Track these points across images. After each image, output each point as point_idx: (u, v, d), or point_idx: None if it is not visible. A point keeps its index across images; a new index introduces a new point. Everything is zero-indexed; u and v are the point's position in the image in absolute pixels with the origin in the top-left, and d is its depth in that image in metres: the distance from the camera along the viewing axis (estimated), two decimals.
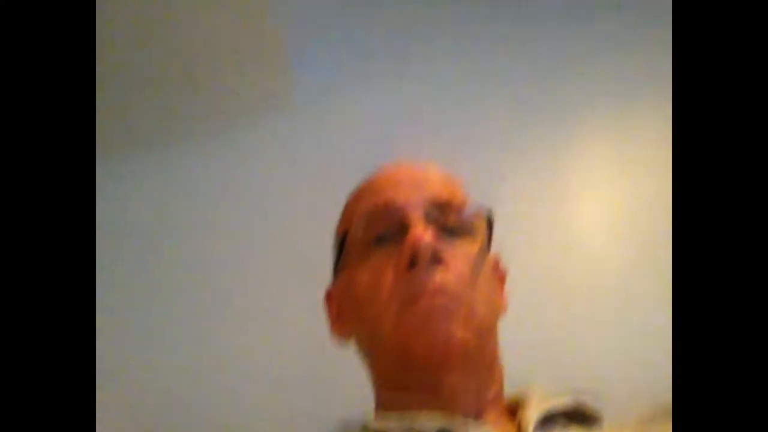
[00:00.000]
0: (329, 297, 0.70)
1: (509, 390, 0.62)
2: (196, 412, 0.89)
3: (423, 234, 0.57)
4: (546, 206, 0.97)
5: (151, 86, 0.98)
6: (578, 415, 0.60)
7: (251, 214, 1.02)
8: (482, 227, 0.64)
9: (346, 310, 0.65)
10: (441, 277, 0.56)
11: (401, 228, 0.59)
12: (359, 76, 1.09)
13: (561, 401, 0.58)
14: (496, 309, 0.64)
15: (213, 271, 0.99)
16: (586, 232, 0.96)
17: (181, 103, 1.02)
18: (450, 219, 0.61)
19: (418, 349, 0.55)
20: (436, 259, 0.57)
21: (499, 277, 0.69)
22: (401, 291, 0.57)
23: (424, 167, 0.66)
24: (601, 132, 1.03)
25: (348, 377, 0.69)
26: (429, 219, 0.59)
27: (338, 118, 1.07)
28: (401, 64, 1.09)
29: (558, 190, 0.99)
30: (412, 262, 0.56)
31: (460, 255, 0.59)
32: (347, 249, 0.63)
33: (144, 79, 0.97)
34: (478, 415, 0.56)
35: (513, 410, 0.59)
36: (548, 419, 0.56)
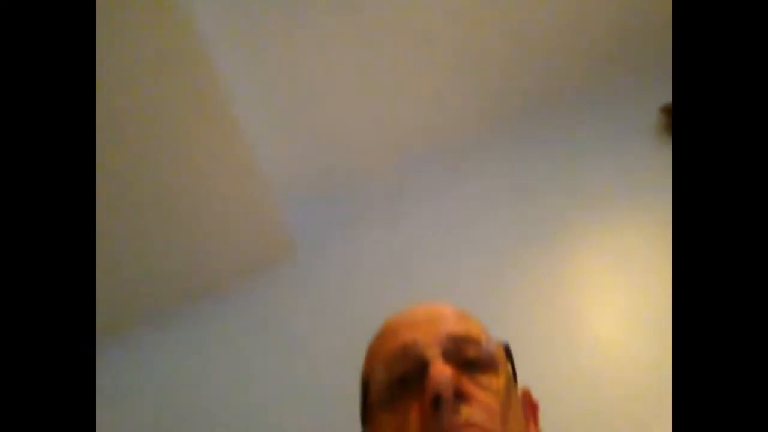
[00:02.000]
0: None
1: None
2: None
3: (443, 370, 0.55)
4: (560, 325, 0.97)
5: (149, 251, 1.00)
6: None
7: (269, 369, 1.01)
8: (503, 360, 0.63)
9: None
10: (467, 412, 0.54)
11: (422, 367, 0.58)
12: (358, 224, 1.13)
13: None
14: None
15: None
16: (605, 340, 0.94)
17: (179, 270, 1.03)
18: (469, 353, 0.60)
19: None
20: (459, 395, 0.55)
21: (532, 408, 0.67)
22: (428, 431, 0.54)
23: (439, 306, 0.66)
24: (601, 241, 1.05)
25: None
26: (448, 355, 0.59)
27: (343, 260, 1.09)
28: (398, 205, 1.13)
29: (567, 306, 0.99)
30: (436, 401, 0.55)
31: (485, 389, 0.58)
32: (371, 395, 0.61)
33: (136, 247, 0.98)
34: None
35: None
36: None
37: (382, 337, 0.65)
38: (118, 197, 0.89)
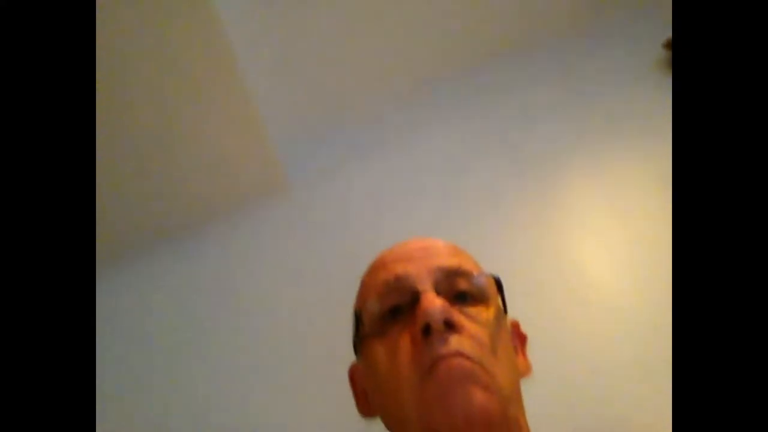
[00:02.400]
0: (353, 376, 0.70)
1: None
2: None
3: (433, 301, 0.57)
4: (550, 263, 0.98)
5: (140, 185, 1.00)
6: None
7: (261, 300, 1.03)
8: (494, 293, 0.64)
9: (369, 388, 0.65)
10: (457, 341, 0.56)
11: (413, 298, 0.60)
12: (352, 156, 1.12)
13: None
14: (519, 373, 0.64)
15: (228, 365, 0.99)
16: (594, 282, 0.96)
17: (175, 201, 1.04)
18: (461, 286, 0.62)
19: (440, 418, 0.54)
20: (450, 325, 0.57)
21: (520, 340, 0.70)
22: (418, 361, 0.56)
23: (432, 240, 0.67)
24: (595, 177, 1.05)
25: None
26: (439, 287, 0.60)
27: (335, 198, 1.09)
28: (391, 141, 1.13)
29: (560, 244, 1.00)
30: (426, 330, 0.56)
31: (474, 321, 0.59)
32: (364, 326, 0.63)
33: (133, 178, 0.98)
34: None
35: None
36: None
37: (375, 269, 0.67)
38: (119, 131, 0.89)
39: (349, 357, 0.69)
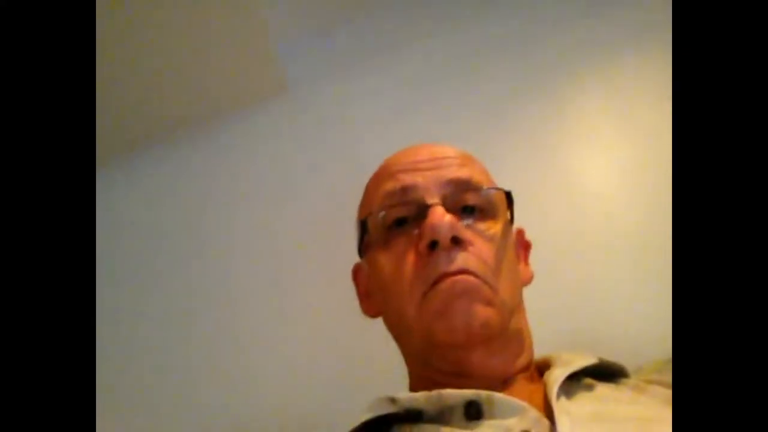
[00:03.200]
0: (357, 273, 0.71)
1: (536, 353, 0.64)
2: (226, 391, 0.91)
3: (442, 216, 0.56)
4: (551, 170, 0.98)
5: (139, 82, 0.98)
6: (603, 372, 0.62)
7: (259, 202, 1.03)
8: (503, 206, 0.63)
9: (373, 289, 0.66)
10: (462, 258, 0.56)
11: (420, 210, 0.59)
12: (353, 59, 1.09)
13: (584, 360, 0.59)
14: (522, 282, 0.65)
15: (227, 262, 1.00)
16: (593, 191, 0.96)
17: (176, 98, 1.02)
18: (469, 200, 0.61)
19: (441, 332, 0.55)
20: (457, 241, 0.57)
21: (524, 248, 0.70)
22: (422, 275, 0.57)
23: (442, 148, 0.65)
24: (600, 90, 1.03)
25: (380, 352, 0.70)
26: (447, 200, 0.59)
27: (334, 99, 1.07)
28: (395, 43, 1.09)
29: (562, 153, 0.99)
30: (433, 246, 0.56)
31: (481, 236, 0.59)
32: (369, 233, 0.63)
33: (133, 75, 0.96)
34: (505, 384, 0.57)
35: (540, 371, 0.60)
36: (574, 378, 0.57)
37: (381, 177, 0.65)
38: (116, 28, 0.86)
39: (351, 255, 0.70)
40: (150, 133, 1.05)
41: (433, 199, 0.59)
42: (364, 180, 0.70)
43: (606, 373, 0.62)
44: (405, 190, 0.61)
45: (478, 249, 0.58)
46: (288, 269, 0.98)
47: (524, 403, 0.51)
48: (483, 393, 0.52)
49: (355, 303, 0.71)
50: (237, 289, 0.98)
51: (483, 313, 0.55)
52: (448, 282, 0.55)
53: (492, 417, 0.51)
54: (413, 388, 0.63)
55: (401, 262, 0.59)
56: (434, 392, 0.54)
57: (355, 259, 0.70)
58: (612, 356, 0.63)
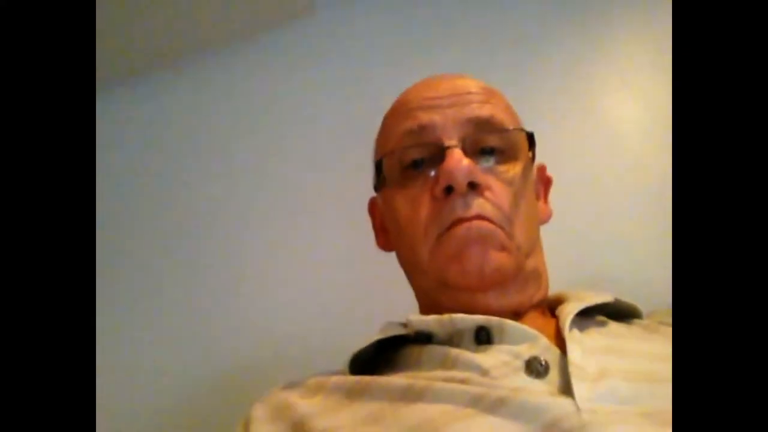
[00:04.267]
0: (373, 207, 0.71)
1: (551, 290, 0.63)
2: (241, 319, 0.92)
3: (459, 161, 0.54)
4: (584, 109, 0.95)
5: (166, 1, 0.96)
6: (616, 310, 0.61)
7: (278, 126, 1.02)
8: (524, 148, 0.61)
9: (388, 227, 0.66)
10: (478, 204, 0.55)
11: (438, 151, 0.57)
12: None
13: (599, 297, 0.59)
14: (540, 221, 0.64)
15: (243, 186, 1.01)
16: (623, 134, 0.94)
17: (205, 15, 1.00)
18: (490, 141, 0.59)
19: (454, 276, 0.55)
20: (473, 186, 0.55)
21: (545, 184, 0.68)
22: (437, 218, 0.56)
23: (464, 81, 0.62)
24: (636, 27, 0.99)
25: (391, 281, 0.71)
26: (466, 141, 0.57)
27: (362, 25, 1.05)
28: None
29: (594, 91, 0.97)
30: (448, 190, 0.55)
31: (500, 179, 0.57)
32: (384, 171, 0.61)
33: None
34: (517, 316, 0.56)
35: (553, 307, 0.60)
36: (586, 314, 0.57)
37: (398, 112, 0.63)
38: None
39: (368, 186, 0.69)
40: (175, 53, 1.04)
41: (450, 140, 0.57)
42: (381, 104, 0.68)
43: (619, 312, 0.62)
44: (422, 129, 0.59)
45: (496, 193, 0.56)
46: (306, 195, 0.98)
47: (535, 331, 0.51)
48: (494, 319, 0.52)
49: (367, 233, 0.71)
50: (248, 212, 0.98)
51: (497, 258, 0.55)
52: (463, 227, 0.55)
53: (502, 342, 0.51)
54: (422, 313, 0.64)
55: (417, 204, 0.58)
56: (446, 316, 0.54)
57: (371, 188, 0.69)
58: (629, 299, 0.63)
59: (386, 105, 0.68)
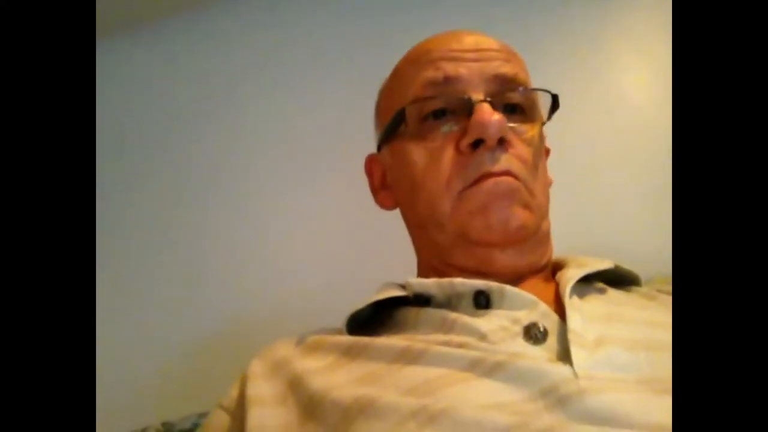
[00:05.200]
0: (371, 164, 0.69)
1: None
2: (240, 276, 0.93)
3: (491, 115, 0.54)
4: (592, 77, 0.93)
5: None
6: (615, 277, 0.61)
7: (284, 76, 1.00)
8: (540, 109, 0.61)
9: (394, 182, 0.65)
10: (506, 160, 0.55)
11: (462, 103, 0.56)
12: None
13: (599, 264, 0.59)
14: (548, 185, 0.64)
15: (244, 141, 0.99)
16: (634, 105, 0.92)
17: None
18: (513, 98, 0.58)
19: (477, 231, 0.55)
20: (501, 142, 0.55)
21: (545, 151, 0.68)
22: (463, 171, 0.55)
23: (484, 39, 0.60)
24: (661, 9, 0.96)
25: (390, 240, 0.70)
26: (492, 96, 0.56)
27: None
28: None
29: (605, 59, 0.94)
30: (476, 144, 0.55)
31: (522, 137, 0.57)
32: (400, 122, 0.59)
33: None
34: (518, 281, 0.56)
35: (554, 272, 0.60)
36: (586, 280, 0.57)
37: (418, 61, 0.60)
38: None
39: (370, 139, 0.68)
40: (160, 12, 1.01)
41: (478, 94, 0.56)
42: (385, 64, 0.66)
43: (619, 280, 0.62)
44: (448, 80, 0.57)
45: (520, 151, 0.56)
46: (305, 149, 0.97)
47: (534, 297, 0.51)
48: (494, 284, 0.52)
49: (367, 191, 0.70)
50: (248, 168, 0.97)
51: (521, 215, 0.55)
52: (490, 182, 0.54)
53: (500, 308, 0.51)
54: (421, 275, 0.63)
55: (437, 157, 0.57)
56: (445, 280, 0.54)
57: (371, 146, 0.68)
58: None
59: (385, 62, 0.66)
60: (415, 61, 0.61)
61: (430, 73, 0.58)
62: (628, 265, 0.63)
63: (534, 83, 0.63)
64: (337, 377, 0.50)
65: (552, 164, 0.69)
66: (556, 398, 0.41)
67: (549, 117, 0.61)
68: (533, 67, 0.66)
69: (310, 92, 0.99)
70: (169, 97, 1.03)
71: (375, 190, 0.69)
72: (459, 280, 0.53)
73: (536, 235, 0.58)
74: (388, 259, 0.71)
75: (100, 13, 0.84)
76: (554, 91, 0.60)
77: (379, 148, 0.66)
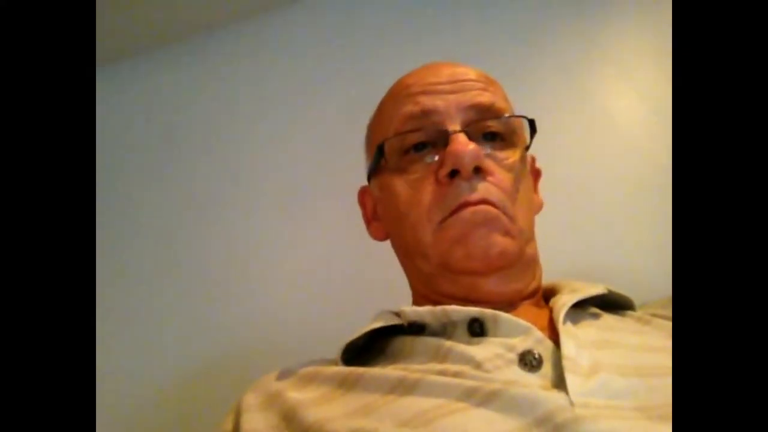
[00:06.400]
0: (364, 196, 0.70)
1: (545, 280, 0.63)
2: (232, 309, 0.92)
3: (465, 145, 0.55)
4: (581, 101, 0.95)
5: None
6: (609, 301, 0.61)
7: (276, 109, 1.01)
8: (522, 135, 0.61)
9: (383, 213, 0.65)
10: (483, 188, 0.55)
11: (440, 135, 0.57)
12: None
13: (592, 289, 0.59)
14: (535, 210, 0.64)
15: (240, 167, 1.00)
16: (621, 125, 0.93)
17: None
18: (491, 125, 0.59)
19: (458, 260, 0.55)
20: (478, 171, 0.56)
21: (535, 176, 0.69)
22: (442, 201, 0.56)
23: (461, 68, 0.62)
24: (635, 20, 0.98)
25: (384, 272, 0.70)
26: (469, 127, 0.57)
27: (358, 13, 1.03)
28: None
29: (592, 84, 0.96)
30: (453, 174, 0.55)
31: (501, 165, 0.58)
32: (384, 155, 0.60)
33: None
34: (511, 307, 0.56)
35: (547, 297, 0.60)
36: (579, 306, 0.57)
37: (398, 97, 0.62)
38: None
39: (361, 171, 0.69)
40: (162, 38, 1.03)
41: (454, 125, 0.57)
42: (380, 95, 0.67)
43: (612, 304, 0.62)
44: (425, 113, 0.58)
45: (498, 178, 0.57)
46: (297, 180, 0.97)
47: (529, 324, 0.51)
48: (488, 311, 0.52)
49: (361, 222, 0.71)
50: (243, 201, 0.98)
51: (501, 242, 0.55)
52: (468, 211, 0.55)
53: (495, 335, 0.51)
54: (415, 303, 0.63)
55: (418, 188, 0.58)
56: (439, 308, 0.54)
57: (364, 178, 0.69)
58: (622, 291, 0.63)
59: (380, 93, 0.67)
60: (395, 96, 0.63)
61: (409, 108, 0.59)
62: (623, 286, 0.63)
63: (526, 108, 0.64)
64: (332, 409, 0.49)
65: (544, 186, 0.69)
66: (552, 426, 0.41)
67: (530, 142, 0.62)
68: (524, 93, 0.67)
69: (304, 122, 1.00)
70: (166, 126, 1.04)
71: (368, 222, 0.70)
72: (453, 308, 0.53)
73: (520, 261, 0.58)
74: (382, 290, 0.71)
75: (100, 41, 0.86)
76: (545, 114, 0.61)
77: (369, 181, 0.67)
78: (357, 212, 0.72)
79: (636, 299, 0.65)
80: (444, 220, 0.56)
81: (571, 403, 0.42)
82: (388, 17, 1.02)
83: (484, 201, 0.55)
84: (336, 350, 0.57)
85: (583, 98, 0.94)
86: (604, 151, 0.91)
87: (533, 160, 0.69)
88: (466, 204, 0.55)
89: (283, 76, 1.03)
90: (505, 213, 0.56)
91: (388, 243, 0.67)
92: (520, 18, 0.99)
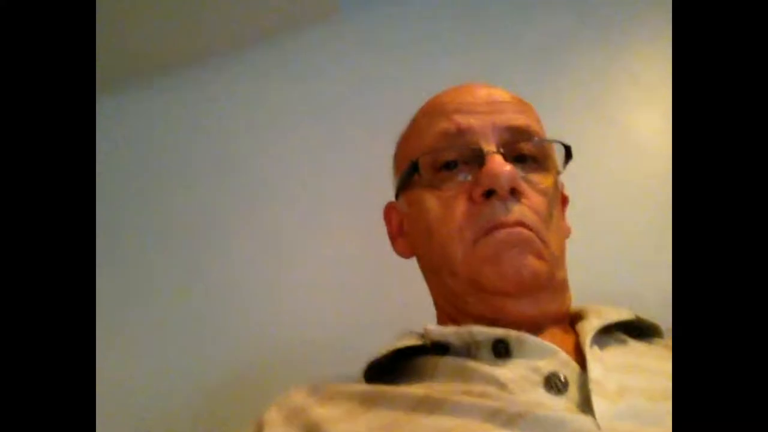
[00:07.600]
0: (390, 213, 0.70)
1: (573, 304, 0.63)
2: (246, 322, 0.93)
3: (502, 166, 0.55)
4: (605, 125, 0.95)
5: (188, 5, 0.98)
6: (637, 328, 0.61)
7: (304, 126, 1.03)
8: (555, 159, 0.61)
9: (411, 229, 0.65)
10: (518, 210, 0.55)
11: (474, 154, 0.57)
12: None
13: (619, 314, 0.58)
14: (564, 236, 0.64)
15: (263, 182, 1.01)
16: (648, 148, 0.93)
17: (228, 17, 1.01)
18: (525, 149, 0.59)
19: (490, 280, 0.55)
20: (513, 193, 0.56)
21: (563, 201, 0.68)
22: (475, 220, 0.56)
23: (496, 90, 0.62)
24: (658, 40, 0.98)
25: (406, 289, 0.70)
26: (504, 147, 0.57)
27: (387, 30, 1.05)
28: None
29: (616, 107, 0.96)
30: (488, 194, 0.55)
31: (535, 187, 0.58)
32: (419, 170, 0.60)
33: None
34: (537, 330, 0.56)
35: (573, 322, 0.59)
36: (606, 331, 0.56)
37: (433, 114, 0.62)
38: None
39: (381, 187, 0.69)
40: (195, 55, 1.05)
41: (489, 145, 0.57)
42: (401, 112, 0.68)
43: (640, 330, 0.61)
44: (460, 132, 0.59)
45: (533, 202, 0.57)
46: (322, 195, 0.98)
47: (555, 346, 0.51)
48: (513, 332, 0.52)
49: (376, 236, 0.71)
50: (256, 215, 0.99)
51: (534, 264, 0.55)
52: (503, 232, 0.54)
53: (521, 356, 0.51)
54: (440, 323, 0.63)
55: (450, 206, 0.57)
56: (464, 328, 0.54)
57: (383, 193, 0.69)
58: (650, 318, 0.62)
59: (408, 109, 0.68)
60: (430, 113, 0.63)
61: (444, 125, 0.60)
62: (649, 313, 0.62)
63: (549, 132, 0.64)
64: (356, 426, 0.49)
65: (570, 212, 0.69)
66: None
67: (564, 167, 0.62)
68: (548, 116, 0.67)
69: (327, 140, 1.01)
70: (174, 147, 1.05)
71: (393, 238, 0.70)
72: (478, 328, 0.53)
73: (551, 285, 0.57)
74: (404, 308, 0.71)
75: (100, 69, 0.88)
76: (568, 137, 0.61)
77: (396, 197, 0.68)
78: (380, 228, 0.72)
79: (664, 326, 0.64)
80: (477, 239, 0.55)
81: (598, 427, 0.42)
82: (410, 38, 1.04)
83: (519, 223, 0.55)
84: (358, 369, 0.57)
85: (608, 122, 0.94)
86: (628, 176, 0.90)
87: (561, 186, 0.69)
88: (502, 225, 0.55)
89: (305, 94, 1.04)
90: (538, 236, 0.55)
91: (410, 260, 0.67)
92: (544, 41, 1.00)
